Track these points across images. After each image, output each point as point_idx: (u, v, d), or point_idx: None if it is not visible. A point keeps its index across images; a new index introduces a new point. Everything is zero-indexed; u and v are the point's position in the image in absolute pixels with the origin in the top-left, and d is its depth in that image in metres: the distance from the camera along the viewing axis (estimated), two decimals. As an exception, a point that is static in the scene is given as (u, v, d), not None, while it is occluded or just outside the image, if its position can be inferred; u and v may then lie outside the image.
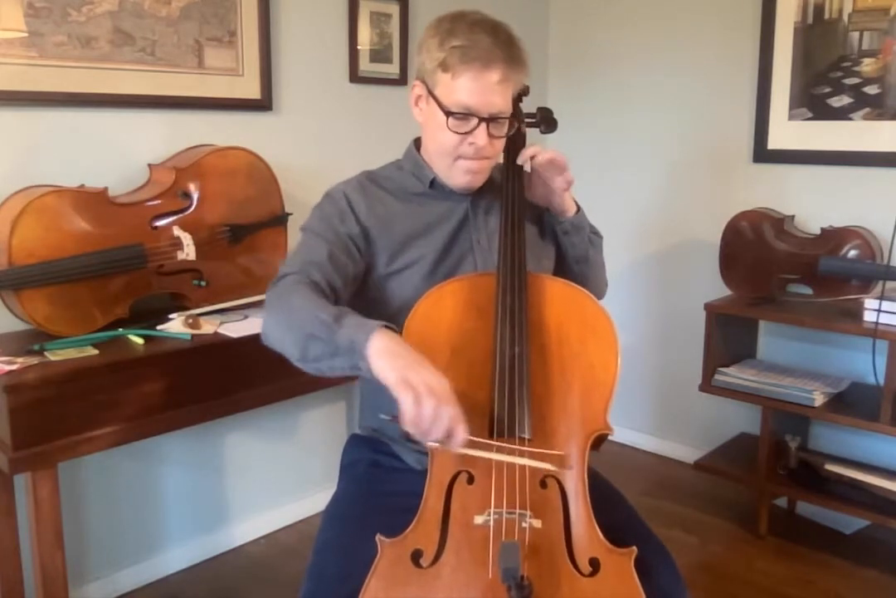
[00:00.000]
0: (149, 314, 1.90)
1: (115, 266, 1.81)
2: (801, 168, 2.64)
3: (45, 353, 1.70)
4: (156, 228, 1.91)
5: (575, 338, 1.27)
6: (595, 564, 1.14)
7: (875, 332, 2.17)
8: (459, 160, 1.37)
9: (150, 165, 2.04)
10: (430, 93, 1.35)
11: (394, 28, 2.62)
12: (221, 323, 1.93)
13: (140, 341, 1.79)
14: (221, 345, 1.85)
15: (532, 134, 1.51)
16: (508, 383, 1.19)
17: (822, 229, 2.49)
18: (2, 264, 1.70)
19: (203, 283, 1.98)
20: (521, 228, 1.36)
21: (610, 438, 1.24)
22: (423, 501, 1.17)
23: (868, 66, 2.46)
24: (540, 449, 1.18)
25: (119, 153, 2.05)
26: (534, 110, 1.55)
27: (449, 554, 1.13)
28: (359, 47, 2.55)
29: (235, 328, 1.90)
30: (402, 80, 2.64)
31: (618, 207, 3.09)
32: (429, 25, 1.36)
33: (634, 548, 1.14)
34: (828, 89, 2.54)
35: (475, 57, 1.28)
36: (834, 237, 2.45)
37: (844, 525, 2.56)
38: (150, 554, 2.27)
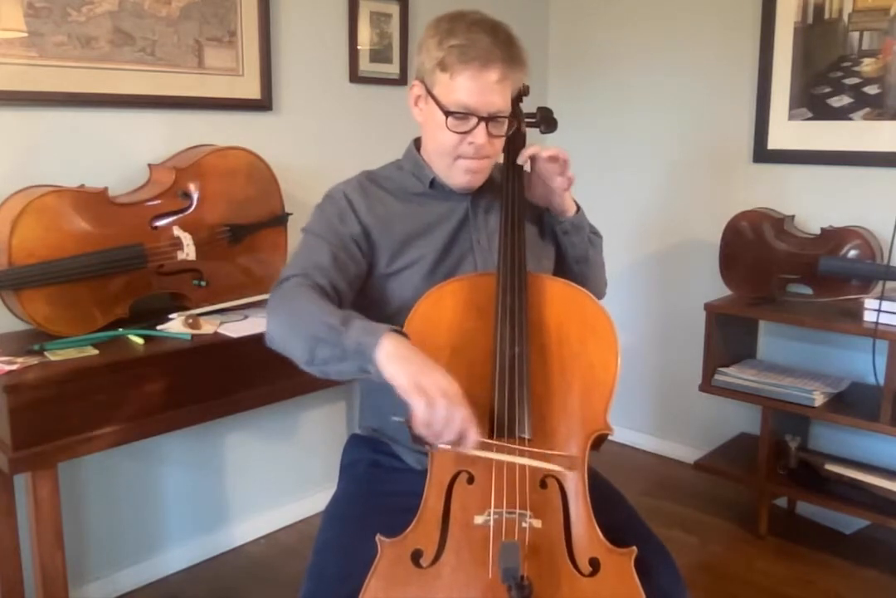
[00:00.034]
0: (149, 314, 1.90)
1: (115, 266, 1.81)
2: (801, 168, 2.65)
3: (45, 353, 1.69)
4: (156, 228, 1.91)
5: (575, 338, 1.27)
6: (595, 564, 1.14)
7: (875, 332, 2.17)
8: (459, 160, 1.37)
9: (150, 165, 2.04)
10: (429, 92, 1.35)
11: (394, 28, 2.63)
12: (221, 323, 1.93)
13: (140, 341, 1.79)
14: (221, 345, 1.85)
15: (532, 134, 1.51)
16: (508, 383, 1.19)
17: (822, 229, 2.49)
18: (2, 264, 1.70)
19: (203, 283, 1.98)
20: (521, 228, 1.36)
21: (610, 438, 1.24)
22: (423, 501, 1.17)
23: (868, 66, 2.46)
24: (549, 451, 1.19)
25: (119, 153, 2.05)
26: (534, 110, 1.55)
27: (449, 554, 1.13)
28: (359, 47, 2.55)
29: (235, 328, 1.90)
30: (402, 80, 2.64)
31: (618, 207, 3.09)
32: (428, 25, 1.36)
33: (634, 548, 1.14)
34: (828, 89, 2.54)
35: (474, 56, 1.28)
36: (834, 237, 2.45)
37: (844, 525, 2.56)
38: (150, 554, 2.27)
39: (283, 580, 2.27)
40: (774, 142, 2.68)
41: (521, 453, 1.16)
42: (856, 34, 2.47)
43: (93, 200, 1.81)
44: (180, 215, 1.95)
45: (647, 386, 3.14)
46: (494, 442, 1.14)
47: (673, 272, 3.02)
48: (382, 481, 1.42)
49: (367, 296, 1.39)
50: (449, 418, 1.05)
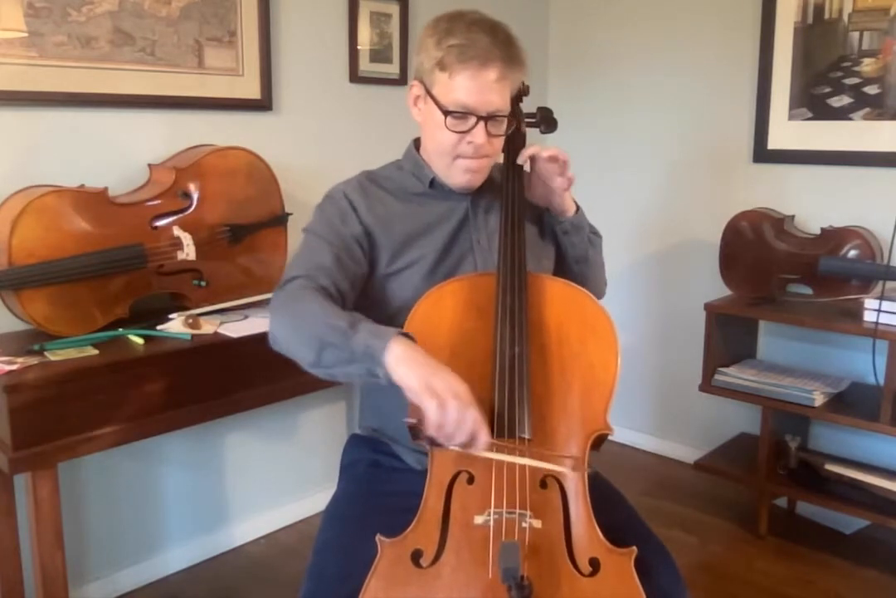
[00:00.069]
0: (149, 314, 1.90)
1: (115, 266, 1.81)
2: (801, 168, 2.65)
3: (45, 353, 1.70)
4: (156, 228, 1.91)
5: (575, 338, 1.27)
6: (595, 564, 1.14)
7: (875, 332, 2.17)
8: (458, 159, 1.37)
9: (150, 165, 2.04)
10: (428, 92, 1.35)
11: (394, 28, 2.63)
12: (221, 323, 1.93)
13: (140, 341, 1.79)
14: (221, 345, 1.85)
15: (532, 134, 1.51)
16: (508, 383, 1.19)
17: (822, 229, 2.49)
18: (2, 264, 1.70)
19: (203, 283, 1.98)
20: (521, 228, 1.36)
21: (610, 438, 1.24)
22: (423, 501, 1.17)
23: (868, 66, 2.46)
24: (555, 452, 1.19)
25: (119, 153, 2.05)
26: (534, 110, 1.55)
27: (449, 554, 1.13)
28: (359, 47, 2.55)
29: (235, 328, 1.90)
30: (402, 80, 2.64)
31: (618, 207, 3.09)
32: (427, 25, 1.36)
33: (634, 548, 1.14)
34: (828, 89, 2.54)
35: (473, 56, 1.28)
36: (834, 237, 2.45)
37: (844, 525, 2.56)
38: (150, 554, 2.27)
39: (283, 580, 2.27)
40: (774, 142, 2.68)
41: (526, 454, 1.16)
42: (856, 34, 2.47)
43: (93, 200, 1.81)
44: (180, 215, 1.95)
45: (647, 386, 3.14)
46: (502, 443, 1.14)
47: (673, 272, 3.02)
48: (382, 481, 1.42)
49: (367, 296, 1.39)
50: (461, 419, 1.05)
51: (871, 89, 2.46)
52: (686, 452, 3.00)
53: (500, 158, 1.46)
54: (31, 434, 1.58)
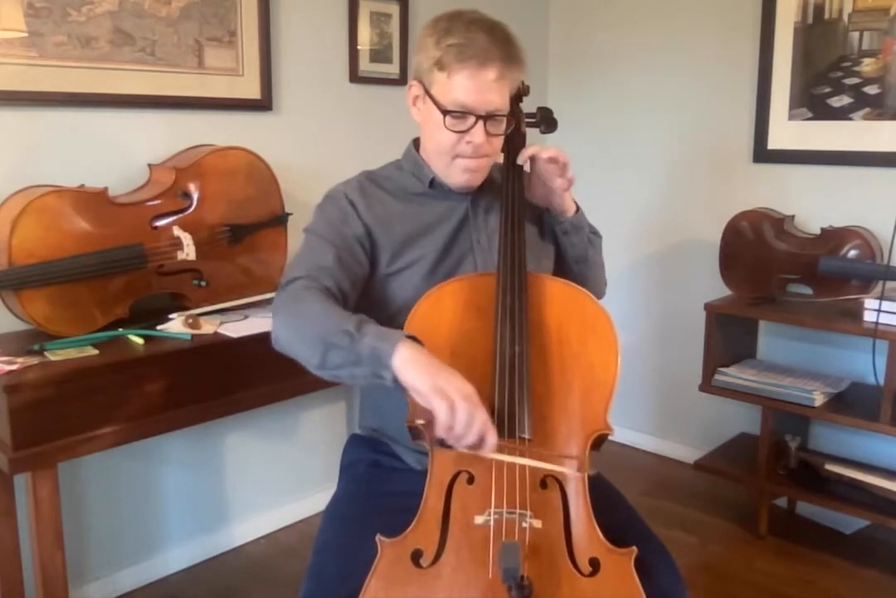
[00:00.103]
0: (149, 314, 1.90)
1: (115, 266, 1.81)
2: (801, 168, 2.65)
3: (45, 353, 1.69)
4: (156, 228, 1.91)
5: (575, 338, 1.27)
6: (595, 564, 1.14)
7: (875, 332, 2.17)
8: (458, 159, 1.37)
9: (150, 165, 2.04)
10: (427, 92, 1.35)
11: (394, 28, 2.63)
12: (221, 323, 1.93)
13: (140, 341, 1.79)
14: (221, 345, 1.85)
15: (532, 134, 1.51)
16: (508, 384, 1.19)
17: (822, 229, 2.49)
18: (2, 264, 1.70)
19: (203, 283, 1.98)
20: (521, 228, 1.36)
21: (610, 438, 1.24)
22: (423, 501, 1.17)
23: (868, 66, 2.46)
24: (557, 452, 1.19)
25: (119, 153, 2.05)
26: (534, 110, 1.55)
27: (449, 554, 1.13)
28: (359, 47, 2.55)
29: (235, 328, 1.90)
30: (402, 80, 2.64)
31: (618, 207, 3.09)
32: (425, 25, 1.36)
33: (634, 548, 1.15)
34: (828, 89, 2.54)
35: (471, 55, 1.28)
36: (834, 237, 2.45)
37: (844, 525, 2.56)
38: (150, 554, 2.27)
39: (283, 580, 2.27)
40: (774, 142, 2.68)
41: (527, 454, 1.16)
42: (856, 34, 2.47)
43: (93, 200, 1.81)
44: (180, 215, 1.95)
45: (647, 386, 3.14)
46: (505, 444, 1.14)
47: (673, 272, 3.02)
48: (382, 481, 1.42)
49: (367, 296, 1.39)
50: (470, 421, 1.06)
51: (871, 89, 2.46)
52: (686, 452, 3.00)
53: (500, 158, 1.46)
54: (31, 434, 1.58)
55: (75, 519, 2.08)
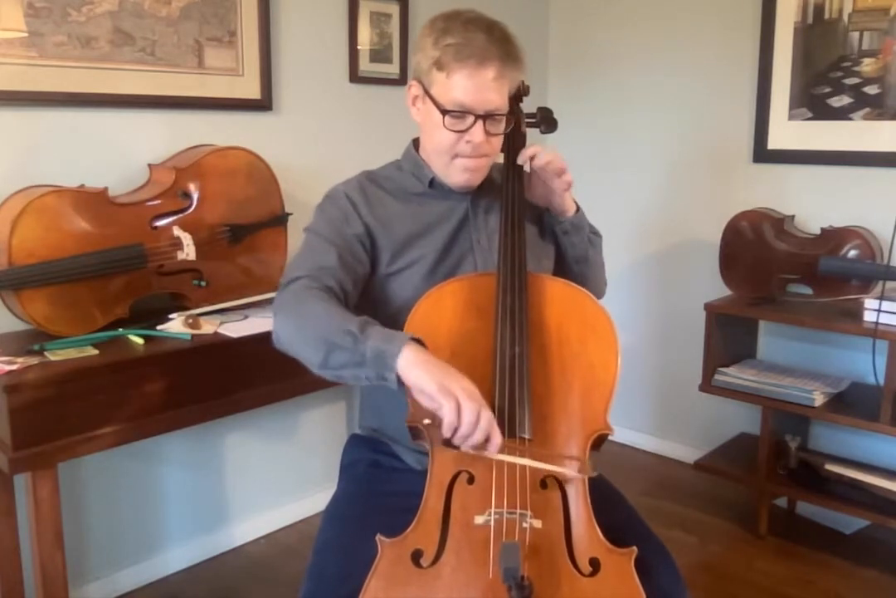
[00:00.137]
0: (149, 314, 1.90)
1: (115, 266, 1.81)
2: (801, 168, 2.65)
3: (45, 353, 1.69)
4: (156, 228, 1.91)
5: (575, 338, 1.28)
6: (595, 564, 1.14)
7: (875, 332, 2.17)
8: (457, 158, 1.37)
9: (150, 165, 2.04)
10: (427, 92, 1.35)
11: (394, 28, 2.63)
12: (221, 323, 1.93)
13: (140, 341, 1.79)
14: (221, 345, 1.85)
15: (532, 134, 1.51)
16: (509, 384, 1.19)
17: (822, 229, 2.49)
18: (2, 264, 1.70)
19: (203, 283, 1.98)
20: (522, 228, 1.36)
21: (610, 438, 1.24)
22: (424, 501, 1.17)
23: (868, 66, 2.46)
24: (557, 452, 1.19)
25: (119, 153, 2.05)
26: (534, 110, 1.55)
27: (449, 554, 1.13)
28: (359, 47, 2.55)
29: (235, 328, 1.90)
30: (402, 80, 2.64)
31: (618, 207, 3.09)
32: (424, 25, 1.36)
33: (634, 548, 1.15)
34: (828, 89, 2.54)
35: (470, 54, 1.28)
36: (834, 237, 2.45)
37: (844, 525, 2.56)
38: (150, 554, 2.27)
39: (283, 580, 2.27)
40: (774, 142, 2.68)
41: (527, 454, 1.16)
42: (856, 34, 2.47)
43: (93, 200, 1.81)
44: (180, 215, 1.95)
45: (647, 386, 3.14)
46: (506, 444, 1.14)
47: (673, 272, 3.02)
48: (382, 481, 1.42)
49: (367, 296, 1.39)
50: (477, 420, 1.06)
51: (871, 89, 2.46)
52: (686, 452, 3.00)
53: (500, 159, 1.46)
54: (31, 434, 1.58)
55: (75, 519, 2.08)
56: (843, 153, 2.53)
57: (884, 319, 2.18)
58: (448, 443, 1.10)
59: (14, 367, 1.61)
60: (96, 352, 1.72)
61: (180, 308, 1.96)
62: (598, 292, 1.57)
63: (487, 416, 1.08)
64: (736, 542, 2.52)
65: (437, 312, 1.27)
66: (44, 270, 1.70)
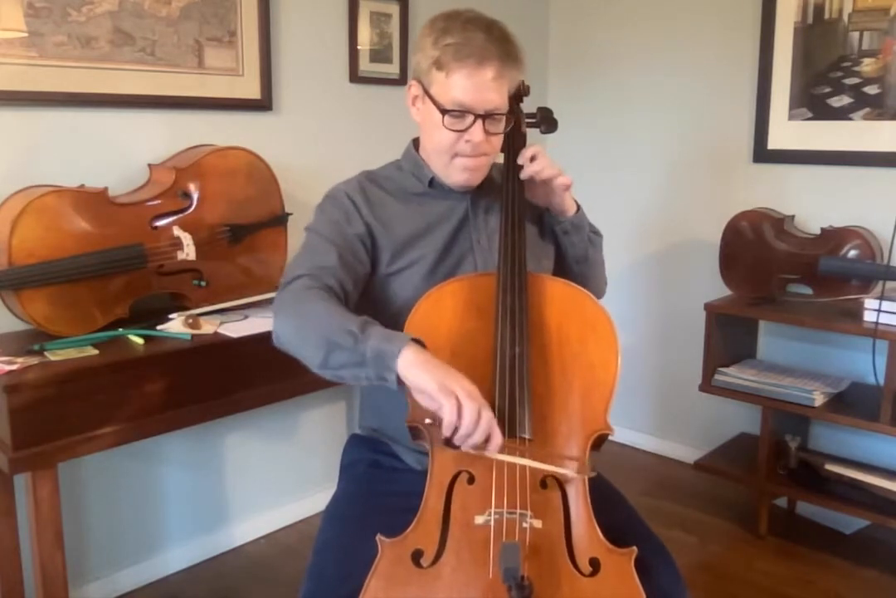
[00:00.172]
0: (149, 314, 1.90)
1: (115, 266, 1.81)
2: (801, 168, 2.65)
3: (45, 353, 1.69)
4: (156, 228, 1.91)
5: (575, 338, 1.28)
6: (595, 564, 1.14)
7: (875, 332, 2.17)
8: (457, 158, 1.37)
9: (150, 165, 2.04)
10: (426, 92, 1.35)
11: (394, 28, 2.63)
12: (221, 323, 1.93)
13: (140, 341, 1.79)
14: (221, 345, 1.85)
15: (532, 134, 1.51)
16: (509, 384, 1.19)
17: (822, 229, 2.49)
18: (2, 264, 1.70)
19: (203, 283, 1.98)
20: (522, 227, 1.36)
21: (610, 438, 1.24)
22: (424, 501, 1.17)
23: (868, 66, 2.46)
24: (557, 452, 1.19)
25: (119, 153, 2.05)
26: (534, 110, 1.55)
27: (449, 554, 1.13)
28: (359, 47, 2.55)
29: (235, 328, 1.90)
30: (402, 80, 2.64)
31: (618, 207, 3.09)
32: (424, 25, 1.36)
33: (634, 548, 1.15)
34: (828, 89, 2.54)
35: (469, 54, 1.28)
36: (834, 237, 2.45)
37: (844, 525, 2.56)
38: (150, 554, 2.27)
39: (283, 580, 2.27)
40: (774, 142, 2.68)
41: (527, 454, 1.16)
42: (856, 34, 2.47)
43: (93, 200, 1.81)
44: (180, 215, 1.95)
45: (647, 386, 3.14)
46: (507, 444, 1.14)
47: (673, 272, 3.02)
48: (382, 481, 1.42)
49: (367, 296, 1.39)
50: (477, 419, 1.06)
51: (871, 89, 2.46)
52: (686, 452, 3.00)
53: (500, 159, 1.46)
54: (31, 434, 1.58)
55: (75, 519, 2.08)
56: (843, 153, 2.53)
57: (884, 319, 2.18)
58: (448, 443, 1.10)
59: (14, 367, 1.61)
60: (96, 352, 1.72)
61: (180, 308, 1.96)
62: (599, 292, 1.57)
63: (488, 416, 1.08)
64: (736, 542, 2.52)
65: (437, 312, 1.27)
66: (44, 270, 1.70)
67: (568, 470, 1.18)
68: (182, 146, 2.13)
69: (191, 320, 1.87)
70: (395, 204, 1.42)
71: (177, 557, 2.32)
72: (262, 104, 2.32)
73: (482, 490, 1.16)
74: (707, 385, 2.57)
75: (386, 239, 1.39)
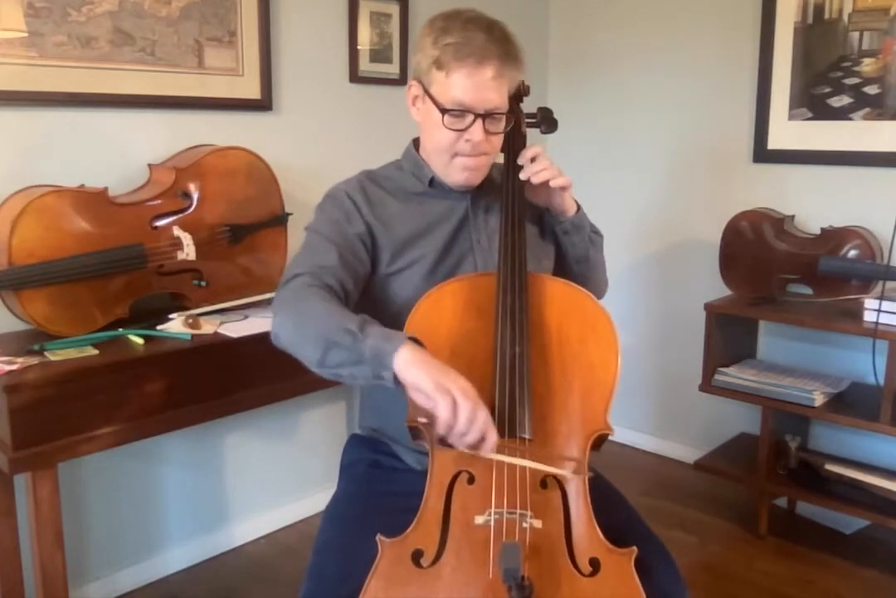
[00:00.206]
0: (149, 314, 1.90)
1: (115, 266, 1.81)
2: (801, 168, 2.65)
3: (45, 353, 1.69)
4: (156, 228, 1.91)
5: (575, 338, 1.27)
6: (595, 564, 1.14)
7: (875, 332, 2.17)
8: (457, 157, 1.37)
9: (150, 165, 2.04)
10: (426, 92, 1.35)
11: (394, 28, 2.63)
12: (221, 323, 1.93)
13: (140, 341, 1.79)
14: (221, 345, 1.85)
15: (532, 134, 1.51)
16: (509, 384, 1.19)
17: (822, 229, 2.49)
18: (2, 264, 1.70)
19: (203, 283, 1.98)
20: (522, 228, 1.36)
21: (610, 438, 1.24)
22: (424, 501, 1.17)
23: (868, 66, 2.46)
24: (557, 453, 1.19)
25: (119, 153, 2.05)
26: (534, 110, 1.55)
27: (449, 554, 1.13)
28: (359, 47, 2.55)
29: (235, 328, 1.90)
30: (402, 80, 2.64)
31: (618, 207, 3.09)
32: (424, 24, 1.37)
33: (634, 548, 1.15)
34: (828, 89, 2.54)
35: (469, 53, 1.28)
36: (834, 237, 2.45)
37: (844, 525, 2.56)
38: (150, 554, 2.27)
39: (283, 580, 2.27)
40: (774, 142, 2.68)
41: (527, 455, 1.16)
42: (856, 34, 2.47)
43: (93, 200, 1.81)
44: (180, 215, 1.95)
45: (647, 386, 3.14)
46: (505, 444, 1.14)
47: (673, 272, 3.02)
48: (382, 481, 1.42)
49: (367, 296, 1.39)
50: (473, 418, 1.06)
51: (871, 89, 2.46)
52: (686, 452, 3.00)
53: (501, 158, 1.46)
54: (31, 434, 1.58)
55: (75, 519, 2.08)
56: (843, 153, 2.53)
57: (884, 319, 2.18)
58: (444, 442, 1.10)
59: (14, 367, 1.61)
60: (96, 352, 1.72)
61: (180, 308, 1.96)
62: (599, 292, 1.56)
63: (483, 415, 1.07)
64: (736, 542, 2.52)
65: (437, 312, 1.27)
66: (44, 270, 1.70)
67: (565, 471, 1.18)
68: (182, 146, 2.13)
69: (191, 320, 1.87)
70: (395, 204, 1.43)
71: (177, 557, 2.32)
72: (262, 104, 2.32)
73: (482, 490, 1.16)
74: (707, 385, 2.57)
75: (386, 239, 1.39)
